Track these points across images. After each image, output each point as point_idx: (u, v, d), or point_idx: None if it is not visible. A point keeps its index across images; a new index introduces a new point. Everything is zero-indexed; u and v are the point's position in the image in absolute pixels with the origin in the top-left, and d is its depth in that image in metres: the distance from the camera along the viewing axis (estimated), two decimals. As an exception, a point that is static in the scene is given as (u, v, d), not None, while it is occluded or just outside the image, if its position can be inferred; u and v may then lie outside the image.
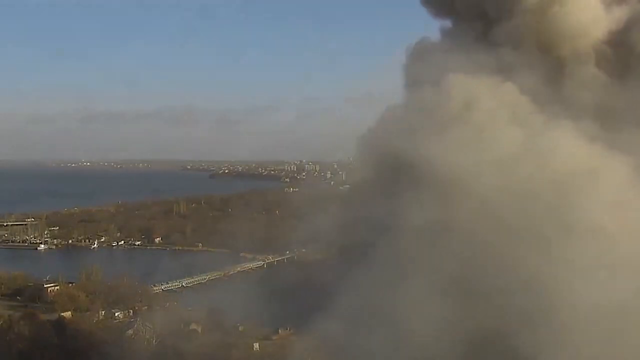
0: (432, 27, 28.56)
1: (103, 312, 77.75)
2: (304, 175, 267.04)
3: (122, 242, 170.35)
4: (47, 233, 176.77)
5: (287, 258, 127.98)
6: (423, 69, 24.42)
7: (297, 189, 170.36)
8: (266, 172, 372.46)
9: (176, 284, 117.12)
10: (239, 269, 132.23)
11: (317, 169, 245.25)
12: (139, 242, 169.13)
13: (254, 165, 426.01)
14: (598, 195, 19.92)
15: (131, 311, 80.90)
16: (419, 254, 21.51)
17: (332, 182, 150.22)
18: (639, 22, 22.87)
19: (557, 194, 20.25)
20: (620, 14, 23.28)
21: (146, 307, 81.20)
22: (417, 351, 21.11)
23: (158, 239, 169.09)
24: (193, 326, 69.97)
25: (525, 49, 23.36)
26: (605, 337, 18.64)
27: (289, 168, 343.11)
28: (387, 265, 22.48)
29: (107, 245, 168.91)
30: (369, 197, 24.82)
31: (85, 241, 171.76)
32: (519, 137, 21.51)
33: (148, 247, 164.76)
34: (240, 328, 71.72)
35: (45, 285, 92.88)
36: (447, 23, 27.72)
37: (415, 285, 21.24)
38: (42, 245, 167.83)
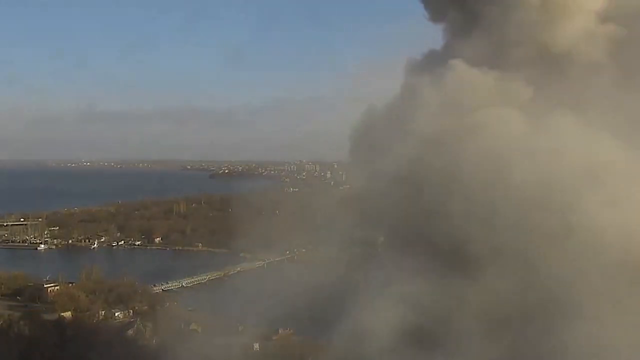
0: (432, 27, 28.69)
1: (103, 312, 77.84)
2: (304, 175, 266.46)
3: (122, 242, 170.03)
4: (47, 233, 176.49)
5: (287, 258, 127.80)
6: (423, 67, 24.54)
7: (297, 189, 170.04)
8: (266, 172, 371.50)
9: (176, 284, 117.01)
10: (239, 269, 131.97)
11: (317, 169, 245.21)
12: (139, 242, 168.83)
13: (254, 165, 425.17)
14: (601, 192, 19.96)
15: (131, 311, 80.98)
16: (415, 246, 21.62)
17: (332, 182, 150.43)
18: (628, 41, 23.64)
19: (559, 190, 20.29)
20: (612, 30, 24.27)
21: (146, 307, 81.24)
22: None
23: (158, 239, 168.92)
24: (193, 326, 70.06)
25: (524, 48, 23.62)
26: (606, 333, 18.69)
27: (289, 168, 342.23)
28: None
29: (107, 245, 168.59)
30: (367, 195, 24.90)
31: (85, 241, 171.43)
32: (523, 130, 21.68)
33: (148, 247, 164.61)
34: (240, 328, 71.66)
35: (45, 285, 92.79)
36: (447, 24, 27.87)
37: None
38: (42, 245, 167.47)
